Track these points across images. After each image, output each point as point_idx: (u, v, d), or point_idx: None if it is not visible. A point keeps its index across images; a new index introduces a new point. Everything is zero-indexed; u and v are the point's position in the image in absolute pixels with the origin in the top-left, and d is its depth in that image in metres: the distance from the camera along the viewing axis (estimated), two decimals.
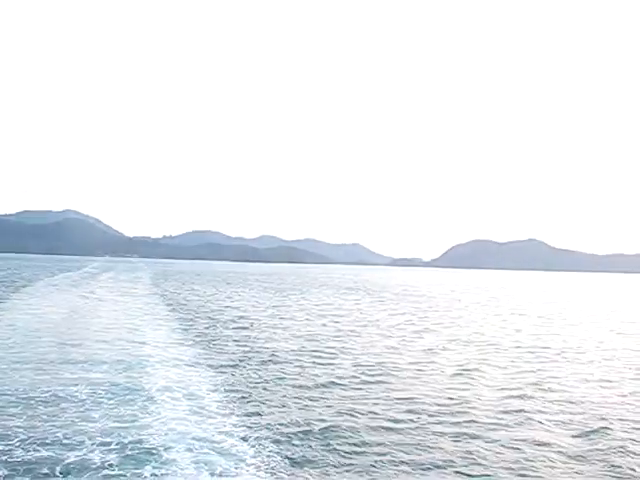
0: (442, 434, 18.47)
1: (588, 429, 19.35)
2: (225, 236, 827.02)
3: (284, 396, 22.88)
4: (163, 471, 14.65)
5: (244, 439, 17.34)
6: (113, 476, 14.39)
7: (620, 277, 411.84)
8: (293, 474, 14.88)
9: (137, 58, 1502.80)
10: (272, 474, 14.76)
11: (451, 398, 23.33)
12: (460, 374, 28.34)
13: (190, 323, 46.06)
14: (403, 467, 15.77)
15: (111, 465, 15.01)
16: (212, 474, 14.53)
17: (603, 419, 20.48)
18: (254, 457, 15.93)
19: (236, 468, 14.99)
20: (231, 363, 29.50)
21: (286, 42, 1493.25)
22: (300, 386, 24.64)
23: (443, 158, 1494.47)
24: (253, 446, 16.76)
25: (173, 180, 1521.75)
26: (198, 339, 37.45)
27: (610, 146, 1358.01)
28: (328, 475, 15.02)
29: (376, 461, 16.13)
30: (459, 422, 19.93)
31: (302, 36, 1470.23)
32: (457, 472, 15.38)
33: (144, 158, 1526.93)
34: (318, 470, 15.32)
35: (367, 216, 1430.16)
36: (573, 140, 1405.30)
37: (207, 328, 43.27)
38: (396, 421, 19.93)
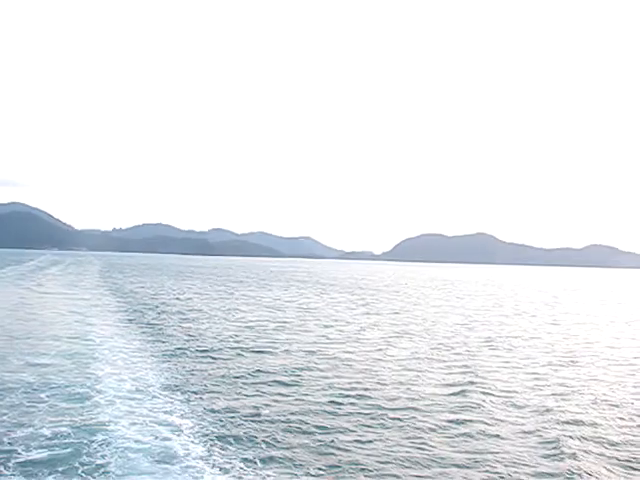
0: (385, 425, 18.81)
1: (531, 415, 20.30)
2: (176, 229, 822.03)
3: (222, 382, 23.90)
4: (110, 440, 15.99)
5: (183, 416, 18.67)
6: (63, 445, 15.59)
7: (567, 270, 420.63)
8: (225, 447, 16.13)
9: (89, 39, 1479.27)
10: (206, 446, 16.08)
11: (397, 388, 23.94)
12: (406, 366, 28.83)
13: (137, 314, 46.85)
14: (336, 453, 16.10)
15: (61, 436, 16.21)
16: (154, 446, 15.84)
17: (546, 409, 21.13)
18: (191, 428, 17.44)
19: (177, 438, 16.48)
20: (175, 351, 30.46)
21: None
22: (236, 375, 25.29)
23: (393, 153, 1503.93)
24: (192, 420, 18.16)
25: (123, 172, 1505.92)
26: (145, 329, 38.29)
27: (556, 143, 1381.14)
28: (257, 451, 16.04)
29: (309, 443, 16.78)
30: (402, 409, 20.62)
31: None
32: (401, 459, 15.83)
33: (93, 150, 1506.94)
34: (249, 445, 16.49)
35: (318, 210, 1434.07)
36: (520, 136, 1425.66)
37: (154, 319, 44.04)
38: (334, 405, 20.76)
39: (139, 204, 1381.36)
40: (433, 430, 18.16)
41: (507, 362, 30.69)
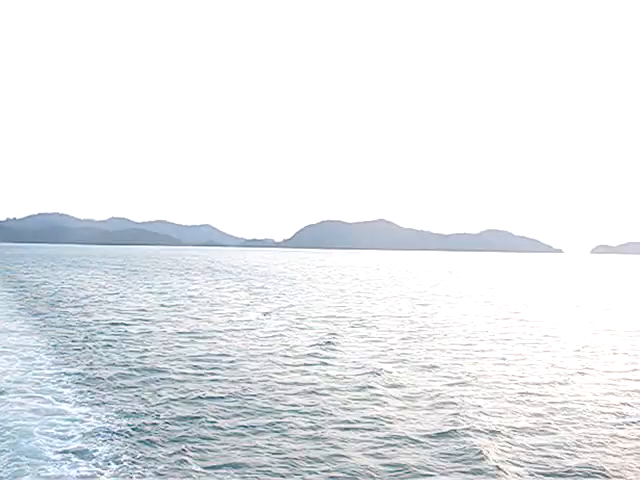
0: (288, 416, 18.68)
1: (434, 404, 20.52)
2: (73, 218, 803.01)
3: (118, 374, 23.77)
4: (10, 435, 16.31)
5: (79, 403, 19.38)
6: None
7: (464, 255, 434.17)
8: (129, 443, 15.99)
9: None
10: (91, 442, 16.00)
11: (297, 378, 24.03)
12: (310, 353, 29.12)
13: (26, 305, 47.06)
14: (244, 451, 15.71)
15: None
16: (55, 437, 16.26)
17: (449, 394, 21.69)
18: (85, 421, 17.69)
19: (75, 431, 16.74)
20: (70, 343, 30.44)
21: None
22: (134, 367, 25.12)
23: (291, 140, 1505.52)
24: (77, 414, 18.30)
25: (17, 159, 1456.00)
26: (36, 321, 38.45)
27: (452, 132, 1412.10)
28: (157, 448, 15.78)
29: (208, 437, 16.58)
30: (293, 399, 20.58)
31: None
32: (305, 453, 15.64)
33: None
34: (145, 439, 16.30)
35: (219, 197, 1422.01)
36: (418, 124, 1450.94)
37: (46, 310, 44.03)
38: (229, 399, 20.44)
39: (34, 193, 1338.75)
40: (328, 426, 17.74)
41: (365, 337, 34.24)
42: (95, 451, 15.19)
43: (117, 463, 14.43)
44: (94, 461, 14.55)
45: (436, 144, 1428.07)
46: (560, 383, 23.46)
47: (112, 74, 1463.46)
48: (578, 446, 16.14)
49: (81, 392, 20.85)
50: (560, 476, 14.15)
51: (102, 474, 13.79)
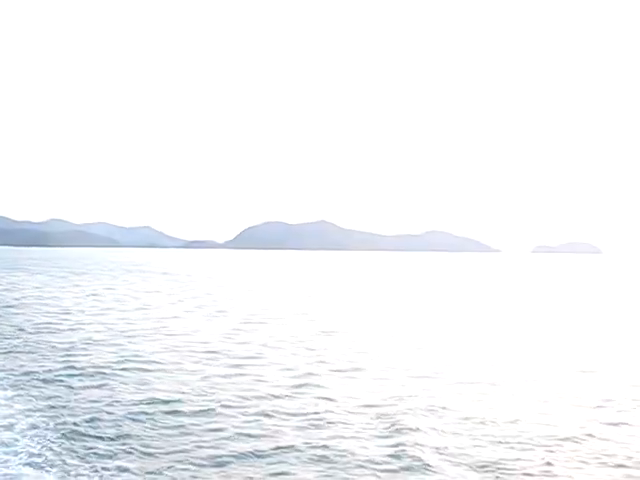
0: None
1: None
2: (10, 220, 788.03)
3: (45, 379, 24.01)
4: None
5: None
6: None
7: (405, 255, 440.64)
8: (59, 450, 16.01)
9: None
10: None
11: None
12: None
13: None
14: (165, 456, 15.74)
15: None
16: None
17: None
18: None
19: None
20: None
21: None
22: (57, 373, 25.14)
23: (230, 140, 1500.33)
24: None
25: None
26: None
27: (391, 132, 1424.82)
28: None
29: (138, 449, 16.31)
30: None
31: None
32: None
33: None
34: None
35: (159, 198, 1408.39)
36: (355, 126, 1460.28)
37: None
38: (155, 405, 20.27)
39: None
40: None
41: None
42: (19, 451, 15.67)
43: (40, 461, 15.00)
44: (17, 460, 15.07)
45: (377, 145, 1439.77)
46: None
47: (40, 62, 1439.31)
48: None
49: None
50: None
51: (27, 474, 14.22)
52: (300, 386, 23.06)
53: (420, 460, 15.26)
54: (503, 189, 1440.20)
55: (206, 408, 19.79)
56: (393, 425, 18.07)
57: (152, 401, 20.56)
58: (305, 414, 19.32)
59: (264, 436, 17.19)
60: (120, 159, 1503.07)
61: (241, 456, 15.63)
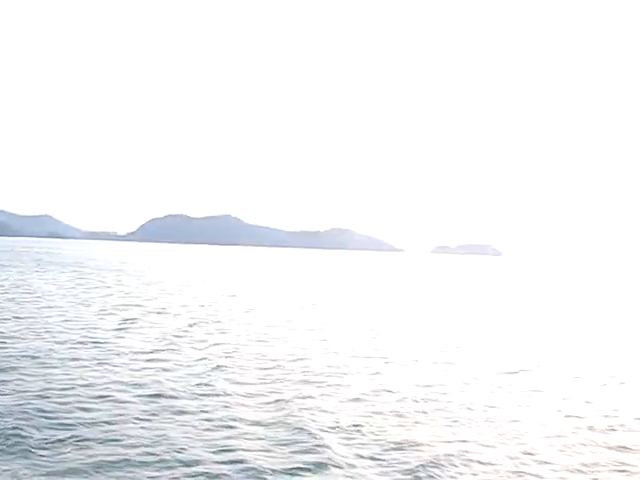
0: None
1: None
2: None
3: None
4: None
5: None
6: None
7: (306, 252, 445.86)
8: None
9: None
10: None
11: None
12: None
13: None
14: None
15: None
16: None
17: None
18: None
19: None
20: None
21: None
22: None
23: (132, 131, 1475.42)
24: None
25: None
26: None
27: (293, 129, 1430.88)
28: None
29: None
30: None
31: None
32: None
33: None
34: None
35: (59, 185, 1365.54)
36: (260, 122, 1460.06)
37: None
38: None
39: None
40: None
41: None
42: None
43: None
44: None
45: (282, 141, 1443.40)
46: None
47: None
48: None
49: None
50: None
51: None
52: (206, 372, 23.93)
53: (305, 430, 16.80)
54: (406, 189, 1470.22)
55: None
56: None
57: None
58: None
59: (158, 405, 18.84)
60: (15, 144, 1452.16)
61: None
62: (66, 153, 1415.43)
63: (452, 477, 14.12)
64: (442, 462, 14.74)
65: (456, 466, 14.68)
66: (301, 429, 16.88)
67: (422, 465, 14.53)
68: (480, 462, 15.01)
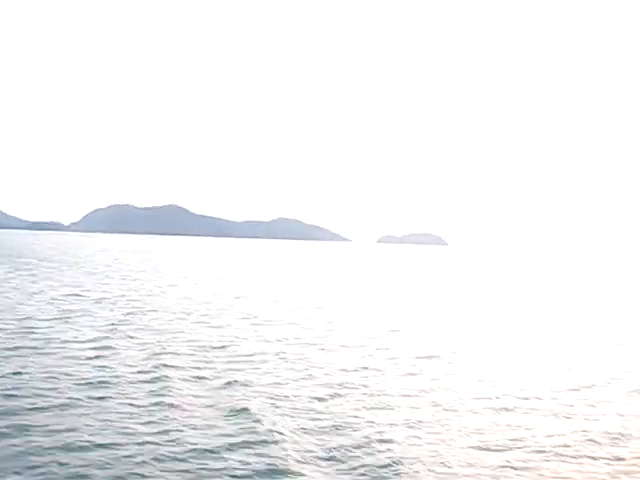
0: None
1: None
2: None
3: None
4: None
5: None
6: None
7: (252, 241, 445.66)
8: None
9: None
10: None
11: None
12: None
13: None
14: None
15: None
16: None
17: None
18: None
19: None
20: None
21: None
22: None
23: (76, 119, 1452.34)
24: None
25: None
26: None
27: (242, 120, 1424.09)
28: None
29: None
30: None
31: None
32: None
33: None
34: None
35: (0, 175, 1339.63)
36: (205, 112, 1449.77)
37: None
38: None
39: None
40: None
41: None
42: None
43: None
44: None
45: (226, 131, 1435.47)
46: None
47: None
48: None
49: None
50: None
51: None
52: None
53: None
54: (353, 179, 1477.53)
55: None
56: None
57: None
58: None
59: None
60: None
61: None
62: (7, 141, 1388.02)
63: (370, 454, 14.72)
64: (365, 442, 15.48)
65: (379, 445, 15.30)
66: (241, 410, 17.62)
67: (344, 446, 15.21)
68: (399, 443, 15.53)
